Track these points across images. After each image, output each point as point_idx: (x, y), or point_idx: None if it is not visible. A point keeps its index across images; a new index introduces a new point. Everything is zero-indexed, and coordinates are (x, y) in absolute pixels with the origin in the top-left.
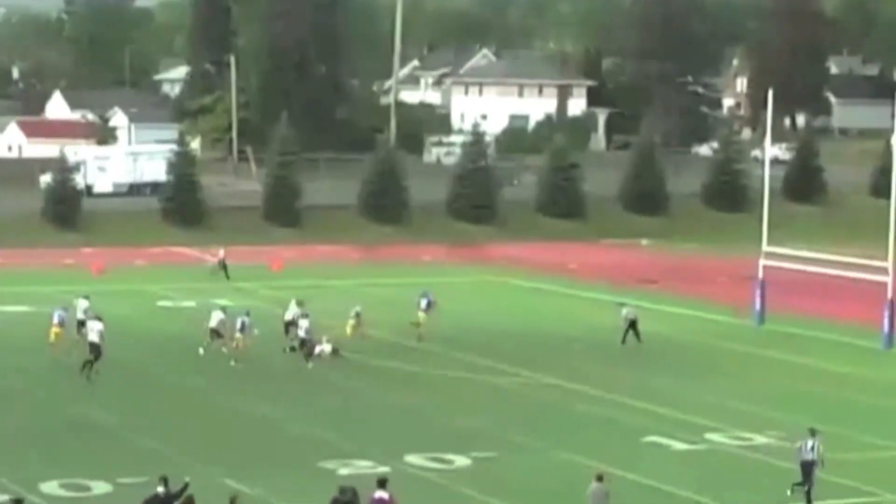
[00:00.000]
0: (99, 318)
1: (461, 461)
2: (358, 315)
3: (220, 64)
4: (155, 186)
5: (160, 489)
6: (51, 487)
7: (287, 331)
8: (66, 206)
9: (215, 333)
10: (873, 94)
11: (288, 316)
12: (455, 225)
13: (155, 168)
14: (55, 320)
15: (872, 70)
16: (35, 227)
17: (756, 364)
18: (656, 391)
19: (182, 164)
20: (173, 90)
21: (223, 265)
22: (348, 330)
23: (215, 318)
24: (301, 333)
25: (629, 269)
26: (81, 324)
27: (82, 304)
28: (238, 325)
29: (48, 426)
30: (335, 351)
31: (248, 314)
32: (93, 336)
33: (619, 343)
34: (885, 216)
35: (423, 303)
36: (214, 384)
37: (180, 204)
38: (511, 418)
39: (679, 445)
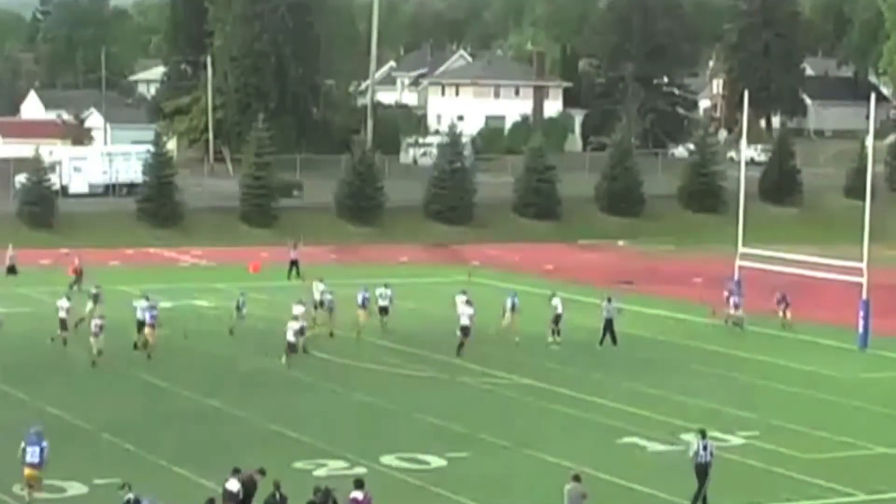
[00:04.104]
0: (469, 303)
1: (437, 462)
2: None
3: (196, 64)
4: (131, 187)
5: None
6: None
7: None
8: (42, 207)
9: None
10: (848, 95)
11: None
12: (431, 225)
13: (131, 169)
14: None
15: (847, 72)
16: (10, 227)
17: (732, 365)
18: (633, 392)
19: (158, 165)
20: (149, 91)
21: (294, 264)
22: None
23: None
24: (464, 321)
25: (605, 271)
26: (320, 304)
27: (319, 286)
28: (147, 318)
29: (22, 426)
30: (301, 331)
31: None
32: (464, 320)
33: (596, 344)
34: (860, 217)
35: (510, 303)
36: (189, 385)
37: (156, 205)
38: (487, 419)
39: (655, 446)
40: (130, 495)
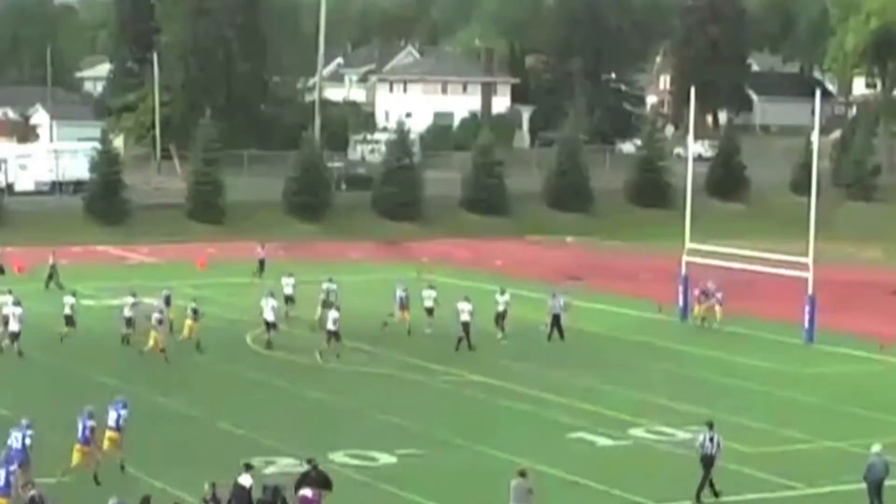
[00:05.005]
0: (467, 299)
1: (386, 458)
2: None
3: (143, 61)
4: (78, 185)
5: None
6: None
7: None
8: None
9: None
10: (794, 91)
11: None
12: (380, 222)
13: (77, 166)
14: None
15: (793, 68)
16: None
17: (680, 360)
18: (581, 387)
19: (105, 163)
20: (96, 88)
21: (262, 263)
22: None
23: (268, 305)
24: (465, 317)
25: (555, 266)
26: (289, 299)
27: (288, 281)
28: (190, 313)
29: None
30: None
31: (195, 300)
32: (465, 316)
33: (545, 340)
34: (806, 212)
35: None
36: (138, 383)
37: (104, 202)
38: (437, 416)
39: (603, 441)
40: (33, 492)
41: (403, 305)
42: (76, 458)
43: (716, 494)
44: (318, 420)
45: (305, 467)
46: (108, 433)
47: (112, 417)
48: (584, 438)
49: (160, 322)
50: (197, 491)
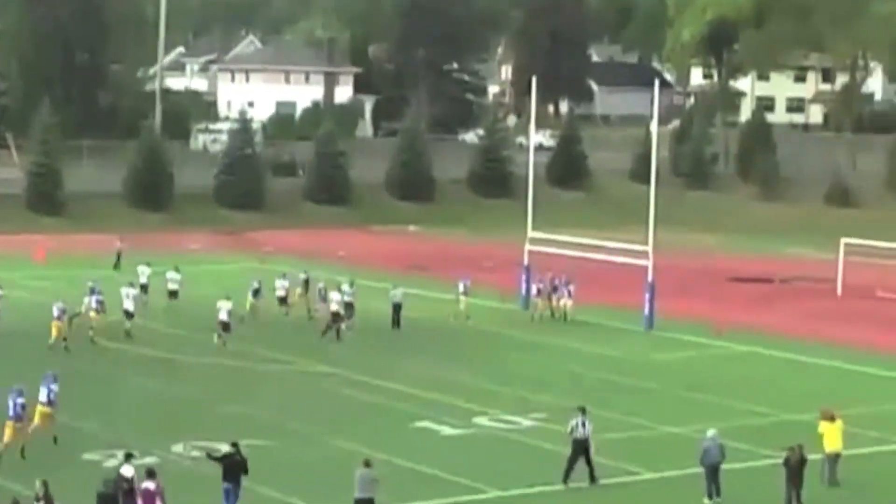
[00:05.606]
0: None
1: (230, 450)
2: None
3: None
4: None
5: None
6: None
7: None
8: None
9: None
10: (633, 81)
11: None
12: (222, 212)
13: None
14: (55, 314)
15: (632, 58)
16: None
17: (522, 348)
18: (426, 377)
19: None
20: None
21: (118, 256)
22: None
23: (129, 296)
24: (334, 307)
25: (398, 256)
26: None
27: (144, 270)
28: (93, 304)
29: None
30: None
31: (97, 289)
32: (334, 306)
33: (389, 329)
34: (646, 201)
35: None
36: None
37: None
38: (283, 406)
39: (448, 430)
40: None
41: (322, 298)
42: (8, 434)
43: (565, 481)
44: (161, 412)
45: (230, 449)
46: (40, 408)
47: (44, 393)
48: (429, 427)
49: (62, 312)
50: (32, 484)
